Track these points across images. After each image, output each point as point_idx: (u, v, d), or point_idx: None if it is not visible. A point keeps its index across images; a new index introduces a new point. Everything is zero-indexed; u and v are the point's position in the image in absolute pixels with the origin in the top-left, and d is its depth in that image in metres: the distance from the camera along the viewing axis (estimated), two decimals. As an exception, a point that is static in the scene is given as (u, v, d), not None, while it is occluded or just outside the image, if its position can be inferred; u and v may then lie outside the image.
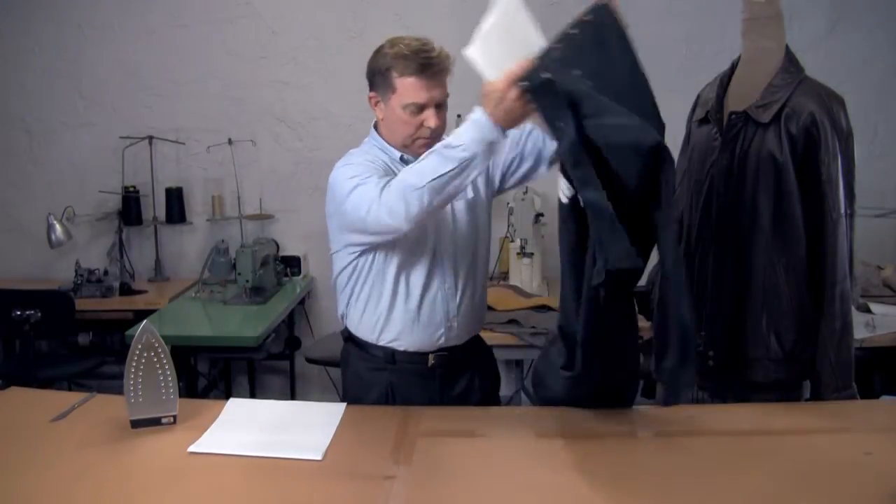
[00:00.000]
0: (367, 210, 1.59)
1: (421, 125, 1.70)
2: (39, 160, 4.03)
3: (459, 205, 1.81)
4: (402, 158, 1.77)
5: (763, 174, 1.80)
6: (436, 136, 1.70)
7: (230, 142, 3.84)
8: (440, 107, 1.70)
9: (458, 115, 3.66)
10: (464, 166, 1.48)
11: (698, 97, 2.02)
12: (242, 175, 3.92)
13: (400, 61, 1.66)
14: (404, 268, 1.77)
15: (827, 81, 1.82)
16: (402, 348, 1.81)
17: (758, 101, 1.80)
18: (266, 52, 3.88)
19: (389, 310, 1.79)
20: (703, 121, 1.95)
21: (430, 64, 1.65)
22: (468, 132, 1.48)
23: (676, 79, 3.62)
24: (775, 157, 1.78)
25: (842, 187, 1.76)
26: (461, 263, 1.82)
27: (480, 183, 1.83)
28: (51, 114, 3.98)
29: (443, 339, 1.81)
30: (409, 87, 1.67)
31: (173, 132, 3.93)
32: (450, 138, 1.52)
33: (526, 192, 3.54)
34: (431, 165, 1.50)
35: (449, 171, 1.48)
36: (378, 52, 1.72)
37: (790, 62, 1.82)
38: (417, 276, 1.78)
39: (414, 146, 1.73)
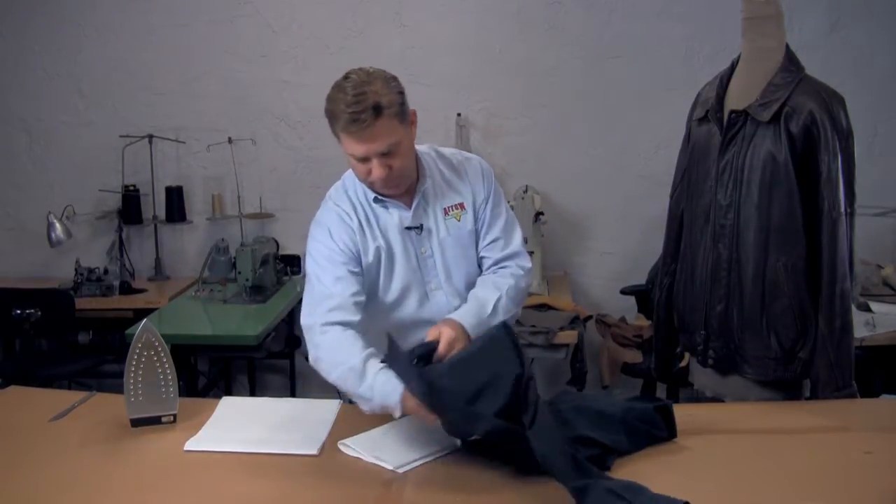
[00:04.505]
0: (305, 319, 1.68)
1: (370, 172, 1.63)
2: (39, 160, 4.03)
3: (450, 241, 1.76)
4: (375, 199, 1.72)
5: (763, 173, 1.80)
6: (394, 177, 1.64)
7: (230, 140, 3.84)
8: (387, 154, 1.60)
9: (458, 114, 3.73)
10: (360, 401, 1.58)
11: (698, 96, 2.02)
12: (242, 174, 3.92)
13: (332, 117, 1.59)
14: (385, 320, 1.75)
15: (827, 81, 1.82)
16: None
17: (758, 100, 1.80)
18: (266, 51, 3.88)
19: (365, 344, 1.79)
20: (703, 120, 1.95)
21: (357, 121, 1.54)
22: (379, 398, 1.52)
23: (676, 78, 3.67)
24: (775, 155, 1.78)
25: (842, 186, 1.76)
26: (457, 293, 1.77)
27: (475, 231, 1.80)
28: (51, 113, 3.98)
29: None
30: (346, 141, 1.60)
31: (173, 131, 3.93)
32: (369, 389, 1.53)
33: (526, 191, 3.55)
34: (343, 380, 1.58)
35: (350, 392, 1.60)
36: (327, 96, 1.63)
37: (790, 61, 1.82)
38: (404, 319, 1.75)
39: (375, 187, 1.69)
